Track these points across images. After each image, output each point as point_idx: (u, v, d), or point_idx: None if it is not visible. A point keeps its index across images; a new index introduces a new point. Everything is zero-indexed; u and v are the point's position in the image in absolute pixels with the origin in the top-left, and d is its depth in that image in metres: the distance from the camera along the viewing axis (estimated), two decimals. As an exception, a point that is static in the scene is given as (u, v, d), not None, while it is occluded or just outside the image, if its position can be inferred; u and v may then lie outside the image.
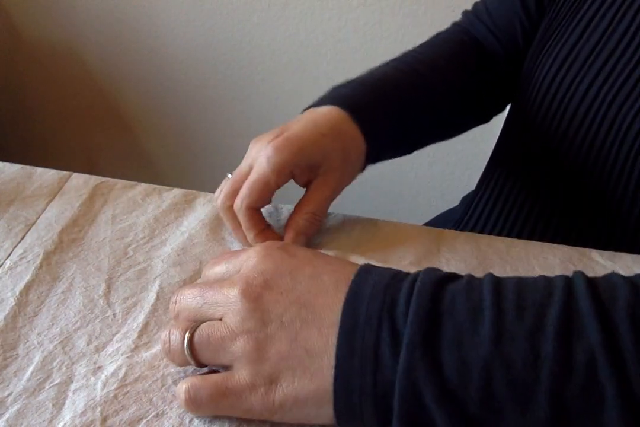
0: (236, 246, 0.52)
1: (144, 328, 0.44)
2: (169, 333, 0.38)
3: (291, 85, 1.39)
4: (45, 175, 0.59)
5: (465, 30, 0.68)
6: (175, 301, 0.40)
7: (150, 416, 0.38)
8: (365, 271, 0.36)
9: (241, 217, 0.49)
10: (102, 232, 0.52)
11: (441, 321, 0.32)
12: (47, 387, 0.39)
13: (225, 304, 0.37)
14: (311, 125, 0.50)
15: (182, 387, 0.37)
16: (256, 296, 0.36)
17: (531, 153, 0.61)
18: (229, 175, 0.52)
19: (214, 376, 0.36)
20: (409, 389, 0.31)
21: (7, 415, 0.38)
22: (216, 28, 1.37)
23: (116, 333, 0.43)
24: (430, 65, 0.61)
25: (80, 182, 0.58)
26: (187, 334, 0.37)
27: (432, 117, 0.61)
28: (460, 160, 1.36)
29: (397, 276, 0.36)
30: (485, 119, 0.71)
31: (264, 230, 0.50)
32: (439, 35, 0.68)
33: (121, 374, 0.40)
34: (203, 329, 0.37)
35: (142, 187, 0.58)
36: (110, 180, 0.59)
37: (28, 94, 1.59)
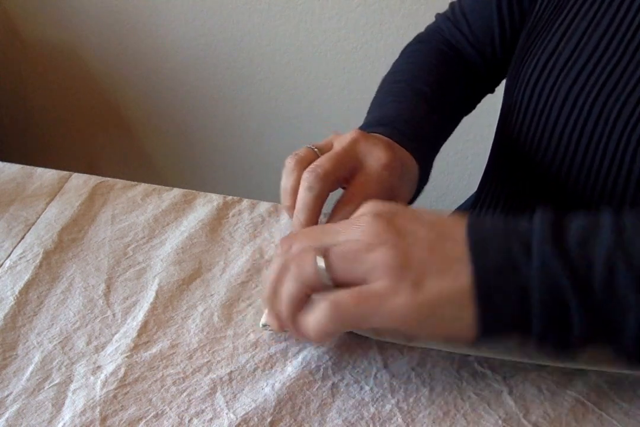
0: (235, 246, 0.52)
1: (144, 327, 0.44)
2: (295, 260, 0.38)
3: (291, 85, 1.39)
4: (45, 175, 0.59)
5: (446, 41, 0.70)
6: (293, 236, 0.40)
7: (150, 416, 0.38)
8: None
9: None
10: (101, 232, 0.52)
11: (565, 224, 0.36)
12: (46, 387, 0.39)
13: (355, 228, 0.38)
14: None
15: (322, 304, 0.36)
16: (388, 219, 0.38)
17: (524, 156, 0.62)
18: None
19: (354, 288, 0.36)
20: (545, 282, 0.34)
21: (6, 415, 0.38)
22: (216, 28, 1.37)
23: (116, 333, 0.43)
24: (433, 85, 0.64)
25: (80, 182, 0.58)
26: (319, 253, 0.37)
27: (449, 129, 0.66)
28: (460, 161, 1.36)
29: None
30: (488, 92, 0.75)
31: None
32: (420, 46, 0.71)
33: (121, 374, 0.40)
34: (335, 247, 0.37)
35: (142, 187, 0.58)
36: (110, 180, 0.59)
37: (28, 94, 1.59)
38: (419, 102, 0.60)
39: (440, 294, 0.35)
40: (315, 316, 0.37)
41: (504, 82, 0.69)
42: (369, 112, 0.62)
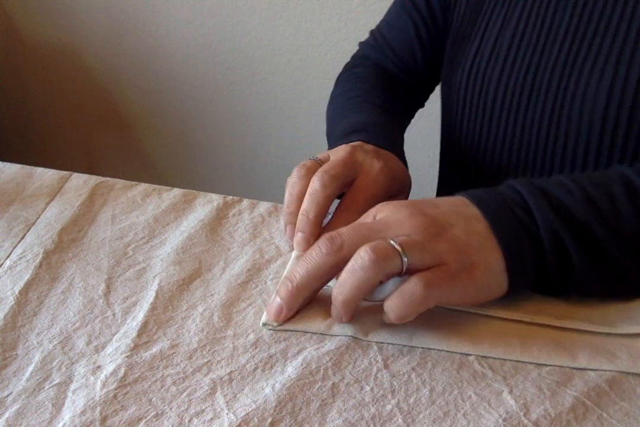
0: (235, 246, 0.52)
1: (143, 327, 0.44)
2: (371, 250, 0.40)
3: (291, 85, 1.39)
4: (45, 175, 0.59)
5: (375, 65, 0.78)
6: (339, 234, 0.43)
7: (150, 416, 0.38)
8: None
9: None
10: (101, 232, 0.52)
11: (544, 187, 0.45)
12: (46, 387, 0.39)
13: (400, 224, 0.43)
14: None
15: (413, 285, 0.40)
16: (422, 212, 0.43)
17: (471, 151, 0.68)
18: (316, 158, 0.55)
19: (434, 270, 0.41)
20: (550, 237, 0.42)
21: (6, 415, 0.38)
22: (216, 28, 1.37)
23: (116, 333, 0.43)
24: (383, 97, 0.72)
25: (80, 182, 0.58)
26: (392, 241, 0.41)
27: (403, 136, 0.72)
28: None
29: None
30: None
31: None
32: (356, 70, 0.78)
33: (121, 374, 0.40)
34: (402, 239, 0.41)
35: (142, 187, 0.58)
36: (110, 180, 0.59)
37: (28, 94, 1.59)
38: (378, 111, 0.67)
39: (488, 266, 0.42)
40: (406, 298, 0.40)
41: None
42: (332, 127, 0.68)
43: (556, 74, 0.58)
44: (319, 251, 0.42)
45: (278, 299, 0.43)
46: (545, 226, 0.43)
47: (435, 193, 0.82)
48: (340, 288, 0.42)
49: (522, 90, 0.60)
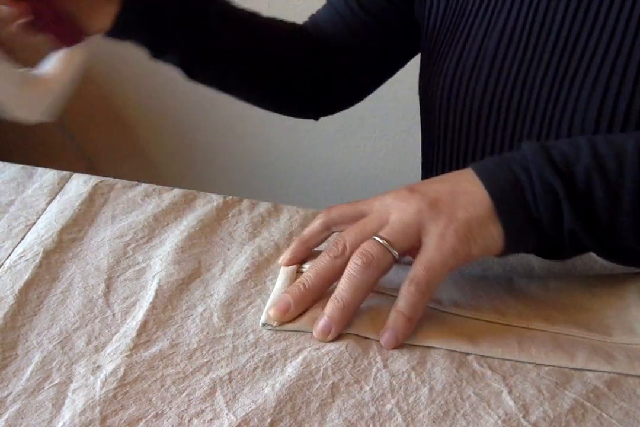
0: (235, 246, 0.52)
1: (143, 327, 0.44)
2: (368, 259, 0.42)
3: (291, 86, 1.39)
4: (45, 175, 0.59)
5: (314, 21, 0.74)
6: (341, 237, 0.45)
7: (150, 416, 0.38)
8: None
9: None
10: (101, 232, 0.53)
11: (549, 146, 0.44)
12: (46, 387, 0.39)
13: (384, 208, 0.45)
14: None
15: (418, 271, 0.42)
16: (406, 189, 0.45)
17: (454, 158, 0.66)
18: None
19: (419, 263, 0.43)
20: (545, 194, 0.42)
21: (6, 415, 0.38)
22: (216, 28, 1.36)
23: (115, 333, 0.43)
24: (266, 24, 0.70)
25: (80, 182, 0.58)
26: (377, 238, 0.43)
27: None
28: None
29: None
30: (314, 112, 0.78)
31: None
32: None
33: (120, 373, 0.40)
34: (387, 227, 0.44)
35: (142, 187, 0.58)
36: (110, 180, 0.59)
37: (28, 94, 1.59)
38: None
39: (477, 217, 0.43)
40: (415, 282, 0.42)
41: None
42: None
43: (545, 88, 0.56)
44: (327, 255, 0.45)
45: (287, 297, 0.44)
46: (538, 178, 0.43)
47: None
48: (343, 292, 0.43)
49: (509, 104, 0.58)
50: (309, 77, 0.73)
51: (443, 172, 0.66)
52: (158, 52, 0.64)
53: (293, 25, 0.74)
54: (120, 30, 0.60)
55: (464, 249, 0.43)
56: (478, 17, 0.60)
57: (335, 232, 0.49)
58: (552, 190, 0.42)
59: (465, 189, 0.44)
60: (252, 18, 0.69)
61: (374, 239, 0.43)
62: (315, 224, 0.49)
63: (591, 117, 0.54)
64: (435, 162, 0.69)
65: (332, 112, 0.79)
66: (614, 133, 0.53)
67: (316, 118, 0.79)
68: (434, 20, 0.64)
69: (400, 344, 0.42)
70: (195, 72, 0.67)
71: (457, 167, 0.63)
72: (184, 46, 0.64)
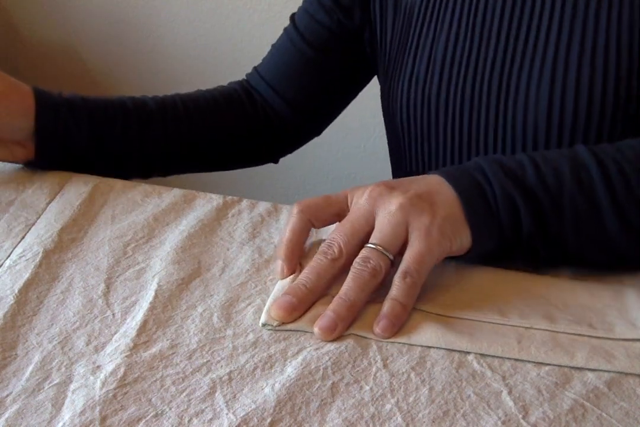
0: (235, 246, 0.52)
1: (143, 326, 0.44)
2: (372, 265, 0.44)
3: (291, 85, 1.39)
4: (45, 176, 0.59)
5: (246, 89, 0.77)
6: (333, 240, 0.46)
7: (150, 416, 0.38)
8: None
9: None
10: (101, 232, 0.53)
11: (500, 160, 0.48)
12: (46, 387, 0.39)
13: (366, 206, 0.46)
14: None
15: (410, 263, 0.44)
16: (388, 187, 0.47)
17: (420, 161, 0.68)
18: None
19: (417, 246, 0.45)
20: (504, 197, 0.46)
21: (6, 415, 0.38)
22: (216, 28, 1.37)
23: (115, 333, 0.43)
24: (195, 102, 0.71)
25: (80, 182, 0.58)
26: (371, 246, 0.45)
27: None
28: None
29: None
30: (277, 157, 0.82)
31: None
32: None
33: (120, 373, 0.40)
34: (376, 232, 0.45)
35: (142, 187, 0.58)
36: (110, 180, 0.59)
37: (28, 94, 1.59)
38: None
39: (449, 215, 0.45)
40: (414, 274, 0.44)
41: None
42: None
43: (495, 79, 0.59)
44: (324, 257, 0.45)
45: (290, 297, 0.44)
46: (498, 186, 0.46)
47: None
48: (349, 291, 0.44)
49: (462, 99, 0.61)
50: (260, 138, 0.76)
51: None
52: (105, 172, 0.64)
53: (229, 95, 0.75)
54: (44, 165, 0.62)
55: (446, 244, 0.45)
56: (424, 27, 0.63)
57: (314, 225, 0.49)
58: (509, 194, 0.46)
59: (438, 190, 0.46)
60: (180, 112, 0.69)
61: (369, 246, 0.45)
62: (295, 221, 0.48)
63: (543, 106, 0.56)
64: (405, 169, 0.71)
65: (294, 150, 0.83)
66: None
67: (277, 162, 0.82)
68: (385, 38, 0.67)
69: (395, 332, 0.43)
70: (148, 175, 0.71)
71: (425, 172, 0.65)
72: (119, 165, 0.66)
